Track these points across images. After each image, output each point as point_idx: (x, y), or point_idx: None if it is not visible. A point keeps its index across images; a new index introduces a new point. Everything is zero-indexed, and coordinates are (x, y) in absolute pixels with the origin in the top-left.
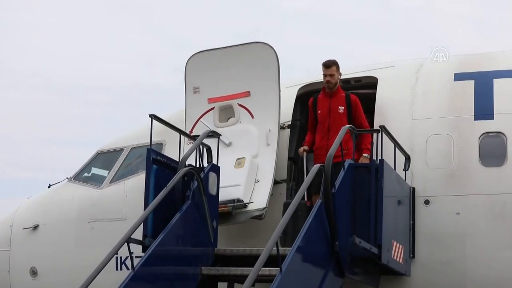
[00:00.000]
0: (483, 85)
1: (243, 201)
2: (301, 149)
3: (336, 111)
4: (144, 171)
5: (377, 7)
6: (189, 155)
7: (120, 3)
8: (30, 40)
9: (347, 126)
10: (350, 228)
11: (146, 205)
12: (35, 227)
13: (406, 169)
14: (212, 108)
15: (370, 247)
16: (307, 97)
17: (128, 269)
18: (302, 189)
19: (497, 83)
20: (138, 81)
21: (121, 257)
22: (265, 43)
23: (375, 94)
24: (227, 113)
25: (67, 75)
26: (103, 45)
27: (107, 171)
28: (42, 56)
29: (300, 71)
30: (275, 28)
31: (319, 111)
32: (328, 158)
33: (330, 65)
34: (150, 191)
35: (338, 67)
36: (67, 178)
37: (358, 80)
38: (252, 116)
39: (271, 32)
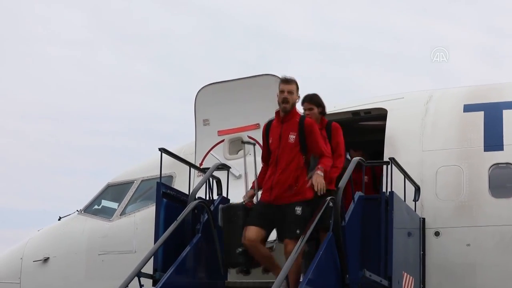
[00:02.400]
0: (492, 116)
1: None
2: (243, 197)
3: (287, 139)
4: (154, 203)
5: (384, 38)
6: (199, 189)
7: (126, 34)
8: (38, 70)
9: (357, 158)
10: (360, 260)
11: (156, 239)
12: (46, 260)
13: (416, 199)
14: (222, 141)
15: (380, 280)
16: None
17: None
18: (312, 224)
19: (507, 114)
20: (146, 111)
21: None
22: (274, 75)
23: (384, 125)
24: (237, 146)
25: (75, 105)
26: (110, 75)
27: (117, 204)
28: (50, 86)
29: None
30: (282, 58)
31: (271, 140)
32: (339, 190)
33: (290, 81)
34: (160, 225)
35: (298, 87)
36: (77, 210)
37: (367, 111)
38: None
39: (278, 62)
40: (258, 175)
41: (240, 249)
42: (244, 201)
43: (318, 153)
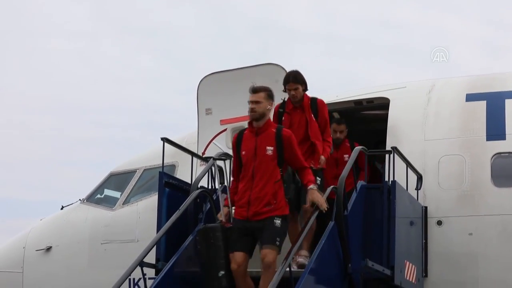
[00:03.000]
0: (495, 106)
1: None
2: (219, 216)
3: (264, 152)
4: (157, 193)
5: (387, 30)
6: (202, 178)
7: (129, 26)
8: (41, 63)
9: (359, 147)
10: (363, 250)
11: (158, 228)
12: (48, 249)
13: (418, 188)
14: (225, 130)
15: (383, 269)
16: None
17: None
18: (314, 215)
19: (509, 103)
20: (148, 103)
21: (133, 279)
22: (277, 65)
23: (387, 115)
24: None
25: (77, 97)
26: (113, 67)
27: (120, 193)
28: (53, 78)
29: (311, 92)
30: (284, 50)
31: (243, 152)
32: (341, 180)
33: (257, 91)
34: (162, 214)
35: (269, 95)
36: (80, 199)
37: (370, 101)
38: None
39: (281, 54)
40: (229, 190)
41: (222, 272)
42: (220, 221)
43: (298, 166)
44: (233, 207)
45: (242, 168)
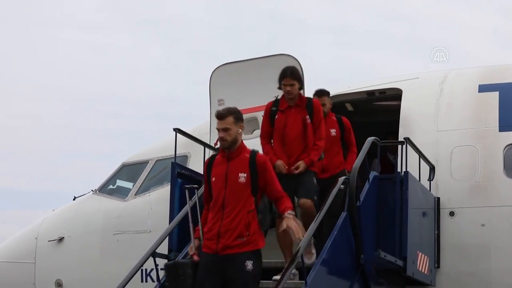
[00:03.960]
0: (507, 97)
1: None
2: (190, 249)
3: (235, 179)
4: (169, 183)
5: (397, 19)
6: None
7: (141, 17)
8: (53, 53)
9: (372, 138)
10: (375, 240)
11: (171, 219)
12: (60, 239)
13: (430, 179)
14: None
15: (395, 260)
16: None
17: (153, 281)
18: (326, 204)
19: None
20: (160, 94)
21: (146, 269)
22: (289, 55)
23: (399, 106)
24: (251, 125)
25: (89, 88)
26: (125, 58)
27: (132, 183)
28: (64, 69)
29: (321, 83)
30: (294, 40)
31: (213, 178)
32: (353, 171)
33: (223, 116)
34: (175, 205)
35: (238, 118)
36: (92, 190)
37: (382, 92)
38: None
39: (291, 45)
40: (200, 220)
41: None
42: (190, 256)
43: (274, 194)
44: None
45: (213, 196)
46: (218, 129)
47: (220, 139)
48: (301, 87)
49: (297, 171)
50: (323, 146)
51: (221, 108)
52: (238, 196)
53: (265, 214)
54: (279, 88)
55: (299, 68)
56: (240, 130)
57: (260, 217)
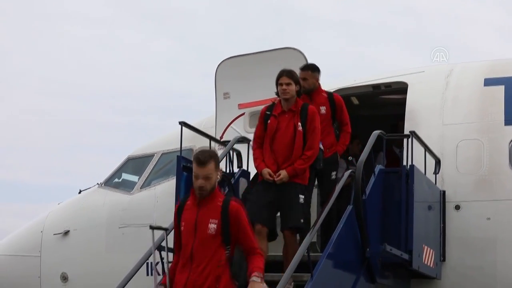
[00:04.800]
0: None
1: None
2: None
3: (204, 229)
4: (175, 177)
5: (402, 13)
6: (220, 161)
7: (147, 11)
8: (58, 47)
9: (377, 132)
10: (381, 234)
11: None
12: (66, 233)
13: (436, 172)
14: (243, 114)
15: (401, 253)
16: None
17: (159, 274)
18: (333, 196)
19: None
20: (165, 87)
21: (151, 263)
22: (295, 49)
23: (405, 99)
24: (257, 119)
25: (96, 83)
26: (131, 53)
27: (138, 177)
28: (70, 63)
29: (327, 76)
30: (299, 34)
31: (182, 226)
32: (359, 164)
33: (205, 163)
34: (180, 198)
35: (218, 163)
36: (97, 183)
37: (388, 85)
38: None
39: (295, 37)
40: (169, 268)
41: None
42: None
43: (246, 248)
44: None
45: (181, 245)
46: (197, 176)
47: (199, 188)
48: (299, 91)
49: (277, 179)
50: (313, 156)
51: (226, 101)
52: (207, 248)
53: (240, 266)
54: (276, 93)
55: (304, 62)
56: (219, 177)
57: (234, 271)
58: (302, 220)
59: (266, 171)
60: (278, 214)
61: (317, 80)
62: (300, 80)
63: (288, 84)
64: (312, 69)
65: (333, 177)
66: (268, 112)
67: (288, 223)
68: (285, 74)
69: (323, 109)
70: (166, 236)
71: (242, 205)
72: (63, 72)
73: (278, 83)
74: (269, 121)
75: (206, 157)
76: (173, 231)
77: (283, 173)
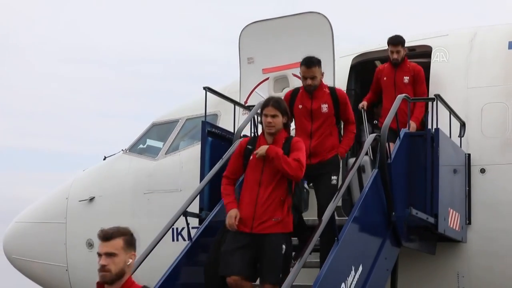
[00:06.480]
0: None
1: None
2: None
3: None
4: (200, 142)
5: None
6: (245, 126)
7: None
8: (81, 14)
9: (402, 95)
10: (406, 197)
11: (202, 178)
12: (91, 199)
13: (461, 135)
14: (267, 79)
15: (426, 217)
16: (362, 67)
17: (184, 240)
18: (358, 161)
19: None
20: (189, 53)
21: (177, 228)
22: (319, 13)
23: (429, 63)
24: (281, 83)
25: (117, 48)
26: (153, 19)
27: (162, 143)
28: (92, 30)
29: (351, 40)
30: None
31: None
32: (384, 127)
33: (110, 238)
34: (205, 163)
35: (129, 243)
36: (122, 150)
37: (412, 49)
38: None
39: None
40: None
41: None
42: None
43: None
44: None
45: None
46: (101, 254)
47: (101, 267)
48: (287, 123)
49: (258, 153)
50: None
51: (250, 66)
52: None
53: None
54: (260, 122)
55: (329, 28)
56: (130, 260)
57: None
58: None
59: (234, 214)
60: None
61: (322, 75)
62: (308, 80)
63: (274, 116)
64: (319, 64)
65: (334, 182)
66: (249, 147)
67: (268, 278)
68: (272, 104)
69: (324, 107)
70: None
71: None
72: (84, 38)
73: (262, 113)
74: (251, 158)
75: (112, 233)
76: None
77: (263, 149)
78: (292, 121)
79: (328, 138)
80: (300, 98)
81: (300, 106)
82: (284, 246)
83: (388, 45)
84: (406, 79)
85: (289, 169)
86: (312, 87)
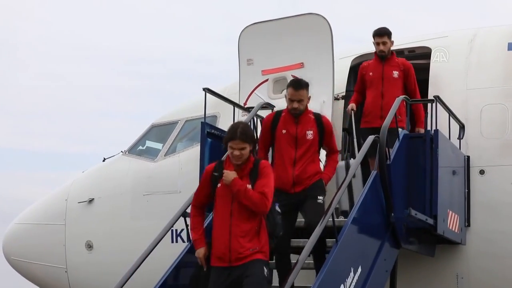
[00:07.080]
0: None
1: None
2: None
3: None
4: (199, 143)
5: None
6: None
7: None
8: (81, 14)
9: (402, 96)
10: (405, 199)
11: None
12: (90, 201)
13: (460, 137)
14: (266, 80)
15: (426, 218)
16: None
17: (183, 241)
18: (357, 161)
19: None
20: (189, 53)
21: (176, 230)
22: (318, 14)
23: (429, 64)
24: (281, 85)
25: (117, 48)
26: (153, 19)
27: (162, 144)
28: (93, 29)
29: (350, 41)
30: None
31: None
32: (383, 129)
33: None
34: (205, 165)
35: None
36: (121, 151)
37: (411, 50)
38: None
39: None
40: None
41: None
42: None
43: None
44: None
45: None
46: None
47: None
48: (252, 150)
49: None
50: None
51: (250, 67)
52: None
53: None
54: (224, 149)
55: (328, 29)
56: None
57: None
58: None
59: (201, 254)
60: None
61: (309, 99)
62: (294, 103)
63: (242, 149)
64: (307, 87)
65: (320, 201)
66: (216, 174)
67: None
68: (239, 137)
69: (310, 134)
70: None
71: None
72: (85, 37)
73: (228, 145)
74: (219, 185)
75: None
76: None
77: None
78: (270, 145)
79: (311, 165)
80: (284, 122)
81: (284, 131)
82: (266, 270)
83: (374, 38)
84: (395, 73)
85: (252, 205)
86: (298, 111)
